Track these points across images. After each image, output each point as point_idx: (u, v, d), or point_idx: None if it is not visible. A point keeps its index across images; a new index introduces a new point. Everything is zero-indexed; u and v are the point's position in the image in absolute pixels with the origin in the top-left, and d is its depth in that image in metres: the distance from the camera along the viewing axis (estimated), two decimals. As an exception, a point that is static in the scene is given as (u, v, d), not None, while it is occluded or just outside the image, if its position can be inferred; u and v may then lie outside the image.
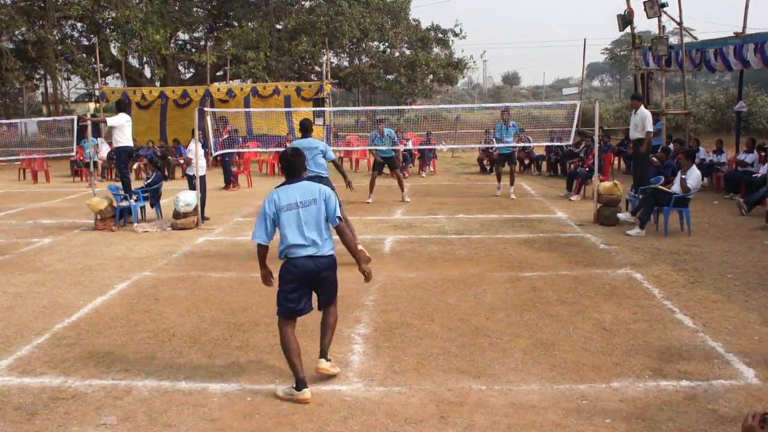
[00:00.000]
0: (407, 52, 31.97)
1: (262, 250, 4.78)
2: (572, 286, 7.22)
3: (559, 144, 17.46)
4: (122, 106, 12.36)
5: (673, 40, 21.14)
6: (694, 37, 18.91)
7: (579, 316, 6.23)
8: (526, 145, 18.61)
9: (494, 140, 14.48)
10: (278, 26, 30.38)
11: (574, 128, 13.78)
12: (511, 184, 14.08)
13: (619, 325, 5.97)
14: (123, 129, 11.88)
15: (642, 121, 11.29)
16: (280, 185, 4.81)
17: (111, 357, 5.44)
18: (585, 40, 22.55)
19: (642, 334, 5.71)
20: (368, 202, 13.46)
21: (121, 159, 12.08)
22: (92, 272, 8.24)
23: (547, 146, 18.52)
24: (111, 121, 11.87)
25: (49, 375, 5.10)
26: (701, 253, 8.70)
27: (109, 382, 4.95)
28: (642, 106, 11.57)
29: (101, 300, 7.06)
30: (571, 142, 15.20)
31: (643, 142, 11.28)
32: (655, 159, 13.05)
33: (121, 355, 5.47)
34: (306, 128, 8.46)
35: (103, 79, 28.11)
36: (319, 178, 7.77)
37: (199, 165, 11.34)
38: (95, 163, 17.18)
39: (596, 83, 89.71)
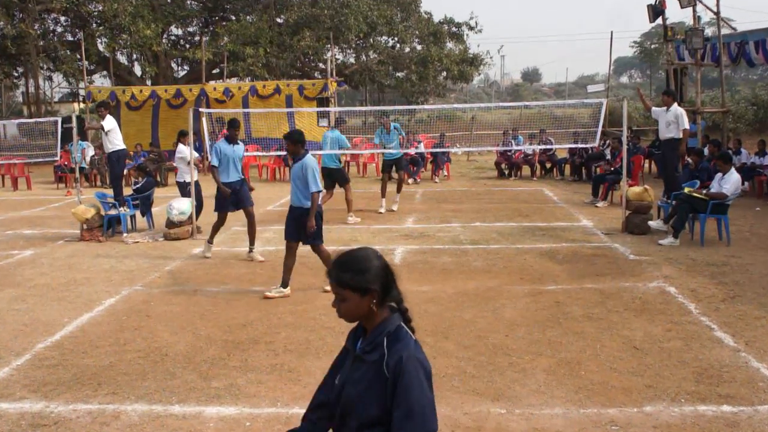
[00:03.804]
0: (418, 47, 32.09)
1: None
2: (599, 301, 7.18)
3: (583, 146, 17.45)
4: (107, 106, 12.46)
5: (710, 31, 21.10)
6: (733, 28, 18.85)
7: (607, 334, 6.19)
8: (548, 147, 18.62)
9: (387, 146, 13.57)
10: (279, 20, 30.57)
11: (599, 129, 13.76)
12: (398, 191, 13.72)
13: (651, 343, 5.94)
14: (116, 132, 12.01)
15: (677, 119, 11.29)
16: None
17: (97, 379, 5.45)
18: (612, 32, 22.56)
19: (677, 354, 5.67)
20: (381, 212, 13.30)
21: (119, 163, 12.20)
22: (78, 287, 8.28)
23: (570, 148, 18.50)
24: (106, 125, 11.96)
25: (30, 399, 5.11)
26: (742, 264, 8.64)
27: (95, 407, 4.96)
28: (675, 104, 11.57)
29: (87, 317, 7.08)
30: (596, 143, 15.19)
31: (681, 141, 11.28)
32: (690, 161, 13.02)
33: (108, 377, 5.48)
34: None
35: (90, 77, 28.35)
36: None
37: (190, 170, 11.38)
38: (82, 168, 17.31)
39: (624, 79, 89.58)
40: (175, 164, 12.15)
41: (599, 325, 6.44)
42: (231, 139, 9.61)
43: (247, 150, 19.58)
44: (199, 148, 19.46)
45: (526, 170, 19.41)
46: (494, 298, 7.39)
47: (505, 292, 7.58)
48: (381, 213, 13.23)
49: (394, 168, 13.63)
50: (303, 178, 7.50)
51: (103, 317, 7.06)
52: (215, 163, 9.53)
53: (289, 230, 7.71)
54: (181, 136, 11.80)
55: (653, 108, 12.12)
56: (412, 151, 18.82)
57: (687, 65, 18.64)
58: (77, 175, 12.62)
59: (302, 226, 7.54)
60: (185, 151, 11.40)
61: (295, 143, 7.54)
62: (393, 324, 2.50)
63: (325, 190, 11.78)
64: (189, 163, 11.32)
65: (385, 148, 13.40)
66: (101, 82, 32.97)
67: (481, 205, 14.07)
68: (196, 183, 11.43)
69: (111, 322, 6.90)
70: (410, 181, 18.59)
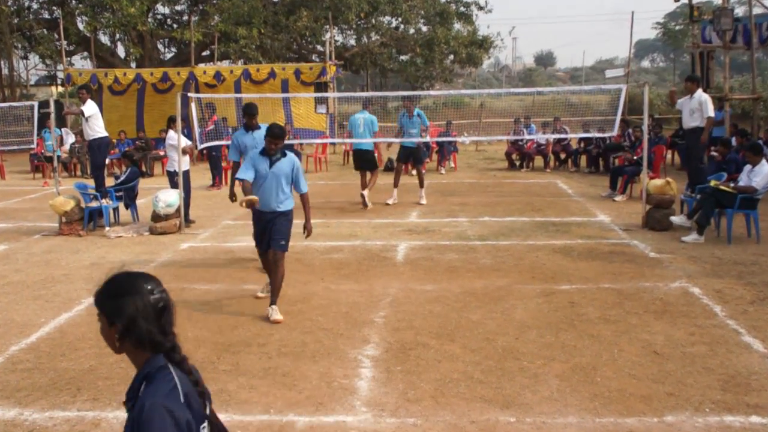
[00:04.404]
0: (424, 28, 32.00)
1: None
2: (617, 302, 7.17)
3: (601, 135, 17.41)
4: (88, 90, 12.52)
5: (740, 11, 21.02)
6: (766, 7, 18.71)
7: (625, 337, 6.18)
8: (563, 136, 18.58)
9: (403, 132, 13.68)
10: (274, -2, 30.49)
11: (618, 117, 13.72)
12: (421, 186, 13.74)
13: (673, 348, 5.92)
14: (98, 118, 12.03)
15: (702, 106, 11.27)
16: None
17: (76, 384, 5.44)
18: (633, 13, 22.48)
19: (701, 360, 5.65)
20: (389, 203, 13.35)
21: (101, 152, 12.24)
22: (56, 284, 8.27)
23: (586, 138, 18.44)
24: (87, 110, 11.97)
25: (2, 406, 5.11)
26: (771, 263, 8.63)
27: (74, 414, 4.95)
28: (699, 90, 11.53)
29: (66, 317, 7.08)
30: (615, 132, 15.16)
31: (704, 130, 11.26)
32: (715, 153, 12.99)
33: (88, 382, 5.48)
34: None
35: (69, 59, 28.25)
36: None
37: (182, 159, 11.37)
38: (59, 157, 17.27)
39: (646, 64, 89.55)
40: (164, 153, 12.15)
41: (617, 327, 6.42)
42: (249, 127, 8.73)
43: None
44: (188, 135, 19.51)
45: (538, 161, 19.38)
46: (504, 298, 7.37)
47: (515, 292, 7.57)
48: (388, 204, 13.37)
49: (411, 159, 13.83)
50: (292, 177, 6.96)
51: (82, 317, 7.05)
52: (236, 158, 8.85)
53: (260, 239, 7.18)
54: (172, 123, 11.80)
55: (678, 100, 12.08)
56: (417, 139, 18.79)
57: (714, 48, 18.54)
58: (55, 164, 12.60)
59: (269, 230, 6.96)
60: (176, 138, 11.38)
61: (283, 138, 6.89)
62: (155, 365, 2.18)
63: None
64: (179, 150, 11.31)
65: (403, 134, 13.55)
66: (81, 64, 32.83)
67: (490, 199, 14.05)
68: (186, 173, 11.41)
69: (91, 322, 6.87)
70: (413, 172, 18.54)
